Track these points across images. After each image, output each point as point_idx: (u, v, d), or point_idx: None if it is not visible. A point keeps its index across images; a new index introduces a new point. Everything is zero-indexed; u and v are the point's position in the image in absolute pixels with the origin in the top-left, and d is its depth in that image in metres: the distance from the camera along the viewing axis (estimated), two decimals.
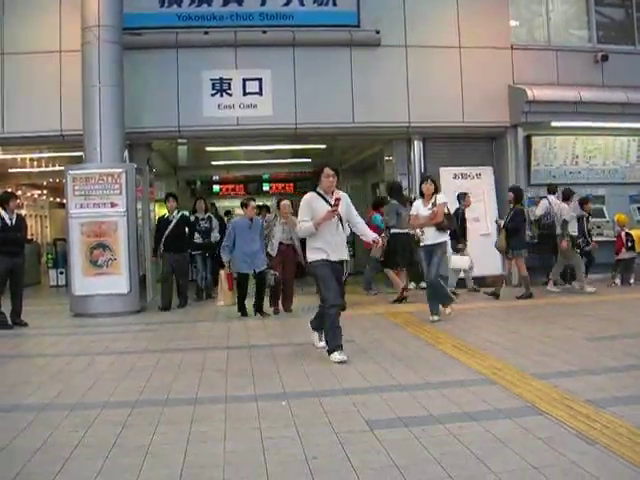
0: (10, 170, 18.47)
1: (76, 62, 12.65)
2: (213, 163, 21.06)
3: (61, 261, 17.48)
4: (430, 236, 10.04)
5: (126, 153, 13.08)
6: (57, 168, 17.10)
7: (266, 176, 25.62)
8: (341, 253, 7.77)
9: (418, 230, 10.41)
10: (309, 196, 7.79)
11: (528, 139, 15.02)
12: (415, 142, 15.03)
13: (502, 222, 13.02)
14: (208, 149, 17.74)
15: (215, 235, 14.01)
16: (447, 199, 10.42)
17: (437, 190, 10.29)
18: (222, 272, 12.71)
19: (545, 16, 15.72)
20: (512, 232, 12.55)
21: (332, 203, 7.60)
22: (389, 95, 14.31)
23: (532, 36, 15.92)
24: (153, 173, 15.46)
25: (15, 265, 10.87)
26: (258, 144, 16.94)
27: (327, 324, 7.56)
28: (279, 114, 14.01)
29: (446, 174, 14.68)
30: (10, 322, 10.71)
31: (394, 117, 14.28)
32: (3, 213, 10.93)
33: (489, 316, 10.84)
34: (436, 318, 9.99)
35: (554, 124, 14.89)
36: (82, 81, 12.41)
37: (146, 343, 9.17)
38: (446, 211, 10.19)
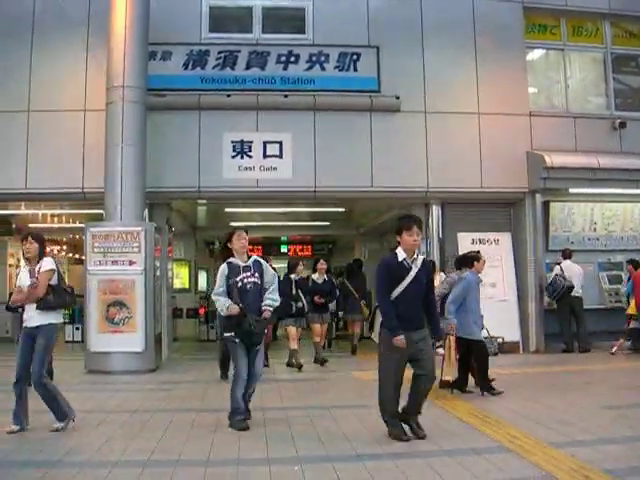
0: (31, 225, 18.64)
1: (100, 121, 12.88)
2: (232, 224, 21.15)
3: (78, 317, 17.51)
4: (31, 315, 7.26)
5: (146, 212, 13.19)
6: (77, 225, 17.26)
7: (284, 238, 25.69)
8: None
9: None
10: None
11: (546, 205, 14.99)
12: (433, 207, 15.01)
13: None
14: (227, 210, 17.84)
15: None
16: (54, 265, 7.44)
17: (44, 252, 7.51)
18: (451, 338, 10.04)
19: (563, 83, 15.84)
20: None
21: None
22: (408, 160, 14.37)
23: (550, 103, 16.05)
24: (172, 232, 15.58)
25: None
26: (277, 206, 17.05)
27: None
28: (299, 177, 14.09)
29: (464, 239, 14.67)
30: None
31: (413, 182, 14.31)
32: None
33: (505, 382, 10.70)
34: (15, 428, 7.08)
35: (572, 190, 14.89)
36: (105, 140, 12.62)
37: (159, 402, 9.11)
38: (52, 282, 7.33)
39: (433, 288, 7.45)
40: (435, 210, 15.03)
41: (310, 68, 14.39)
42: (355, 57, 14.39)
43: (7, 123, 13.66)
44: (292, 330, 12.59)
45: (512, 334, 14.09)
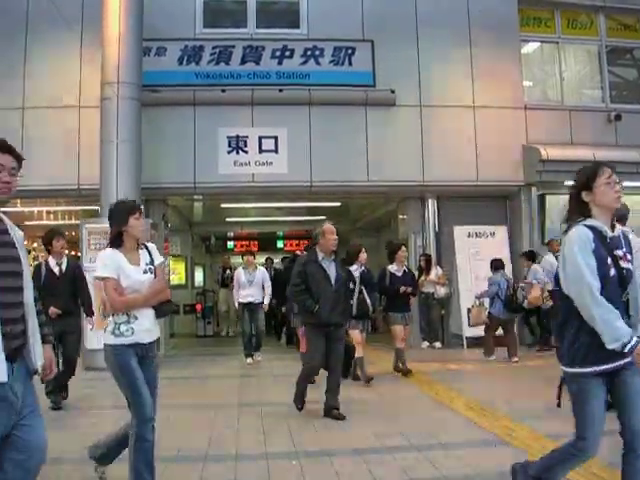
0: (27, 222, 18.63)
1: (94, 117, 12.85)
2: (228, 219, 21.16)
3: None
4: (147, 327, 5.13)
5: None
6: (73, 221, 17.22)
7: (280, 233, 25.67)
8: None
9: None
10: None
11: (542, 198, 14.98)
12: (429, 201, 15.05)
13: None
14: (223, 206, 17.83)
15: None
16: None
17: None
18: None
19: (558, 76, 15.88)
20: None
21: None
22: (403, 154, 14.37)
23: (545, 96, 16.07)
24: (168, 228, 15.56)
25: (67, 327, 8.32)
26: (273, 201, 17.03)
27: None
28: (294, 172, 14.08)
29: (460, 233, 14.69)
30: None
31: (408, 176, 14.30)
32: (49, 258, 8.65)
33: (501, 375, 10.73)
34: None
35: (568, 183, 14.86)
36: (100, 136, 12.58)
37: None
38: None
39: None
40: (431, 204, 15.06)
41: (305, 62, 14.36)
42: (350, 51, 14.37)
43: (2, 120, 13.59)
44: (357, 335, 10.08)
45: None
